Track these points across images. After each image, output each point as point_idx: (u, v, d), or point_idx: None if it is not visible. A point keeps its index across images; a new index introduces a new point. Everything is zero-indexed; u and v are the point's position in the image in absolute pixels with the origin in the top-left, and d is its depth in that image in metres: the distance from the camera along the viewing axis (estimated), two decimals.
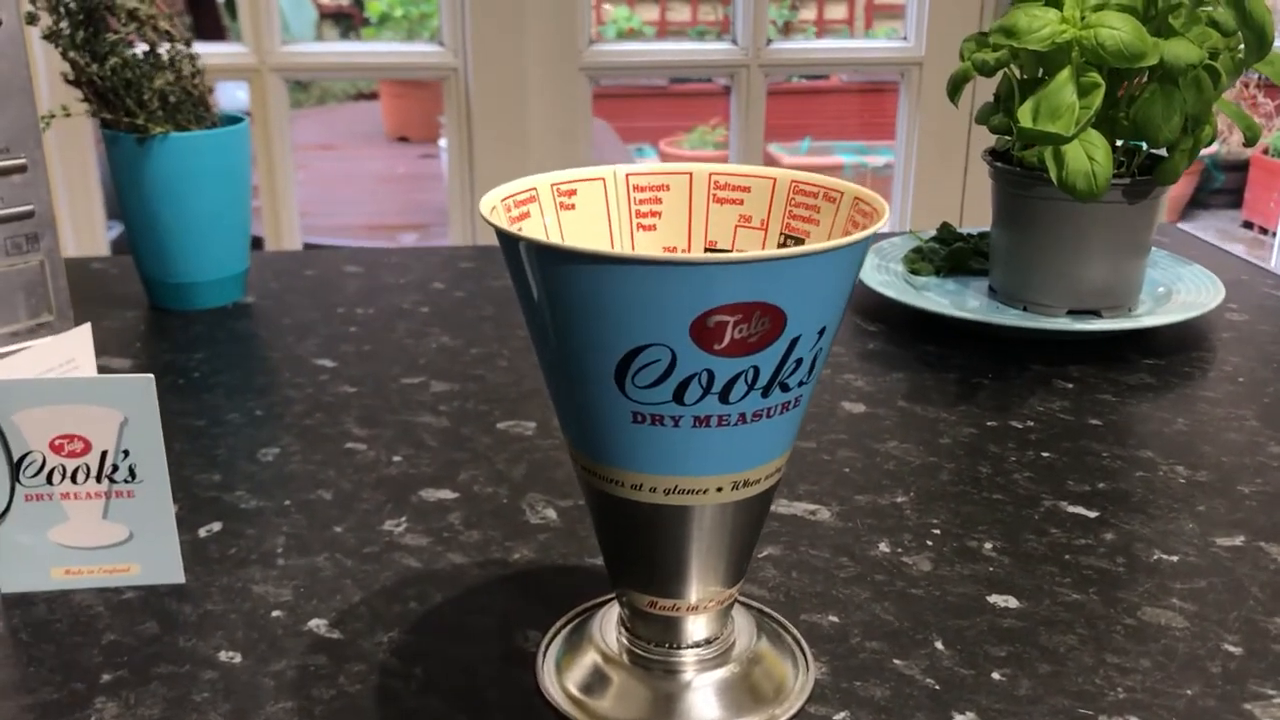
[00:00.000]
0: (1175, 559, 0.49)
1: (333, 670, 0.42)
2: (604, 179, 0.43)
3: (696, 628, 0.41)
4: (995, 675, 0.42)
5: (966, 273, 0.83)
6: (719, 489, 0.37)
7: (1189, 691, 0.41)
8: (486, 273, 0.89)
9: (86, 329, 0.52)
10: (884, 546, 0.50)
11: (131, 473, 0.46)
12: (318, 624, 0.45)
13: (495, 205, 0.39)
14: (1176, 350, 0.73)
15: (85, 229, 1.70)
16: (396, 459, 0.58)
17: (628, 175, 0.43)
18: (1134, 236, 0.74)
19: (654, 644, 0.41)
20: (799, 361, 0.35)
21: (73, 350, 0.51)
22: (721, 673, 0.41)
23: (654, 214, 0.44)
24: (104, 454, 0.46)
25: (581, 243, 0.42)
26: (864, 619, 0.45)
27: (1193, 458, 0.58)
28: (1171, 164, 0.70)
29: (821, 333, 0.36)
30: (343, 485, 0.56)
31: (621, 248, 0.43)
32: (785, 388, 0.36)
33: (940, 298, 0.78)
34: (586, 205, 0.43)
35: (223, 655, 0.43)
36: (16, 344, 0.66)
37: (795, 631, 0.44)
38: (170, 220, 0.77)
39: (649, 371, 0.34)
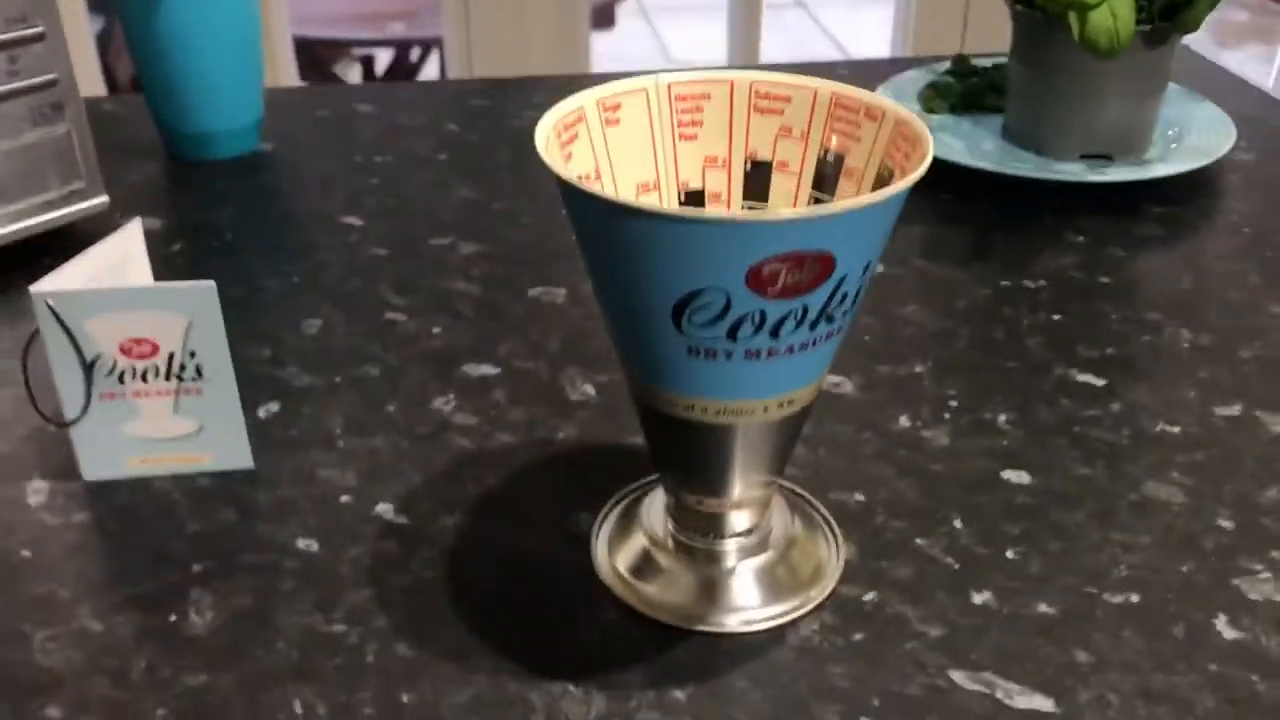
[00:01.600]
0: (1177, 430, 0.53)
1: (404, 556, 0.46)
2: (647, 90, 0.44)
3: (739, 520, 0.44)
4: (1010, 554, 0.46)
5: (982, 109, 0.84)
6: (765, 409, 0.40)
7: (1184, 569, 0.45)
8: (498, 113, 0.89)
9: (137, 225, 0.53)
10: (904, 420, 0.54)
11: (198, 371, 0.49)
12: (385, 509, 0.49)
13: (548, 135, 0.40)
14: (1185, 197, 0.74)
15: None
16: (436, 330, 0.61)
17: (669, 85, 0.44)
18: (1150, 82, 0.74)
19: (699, 534, 0.45)
20: (845, 295, 0.37)
21: (127, 247, 0.52)
22: (761, 559, 0.45)
23: (695, 123, 0.45)
24: (171, 355, 0.48)
25: (628, 160, 0.44)
26: (888, 497, 0.49)
27: (1196, 320, 0.61)
28: (1194, 12, 0.70)
29: (867, 268, 0.38)
30: (389, 360, 0.58)
31: (664, 161, 0.44)
32: (830, 319, 0.38)
33: (955, 140, 0.79)
34: (631, 119, 0.43)
35: (300, 543, 0.47)
36: (51, 212, 0.67)
37: (825, 512, 0.48)
38: (185, 70, 0.77)
39: (704, 312, 0.37)
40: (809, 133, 0.44)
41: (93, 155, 0.68)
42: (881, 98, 0.42)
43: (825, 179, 0.43)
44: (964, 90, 0.84)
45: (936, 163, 0.79)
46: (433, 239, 0.70)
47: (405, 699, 0.40)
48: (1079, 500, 0.49)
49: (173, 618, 0.43)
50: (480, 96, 0.92)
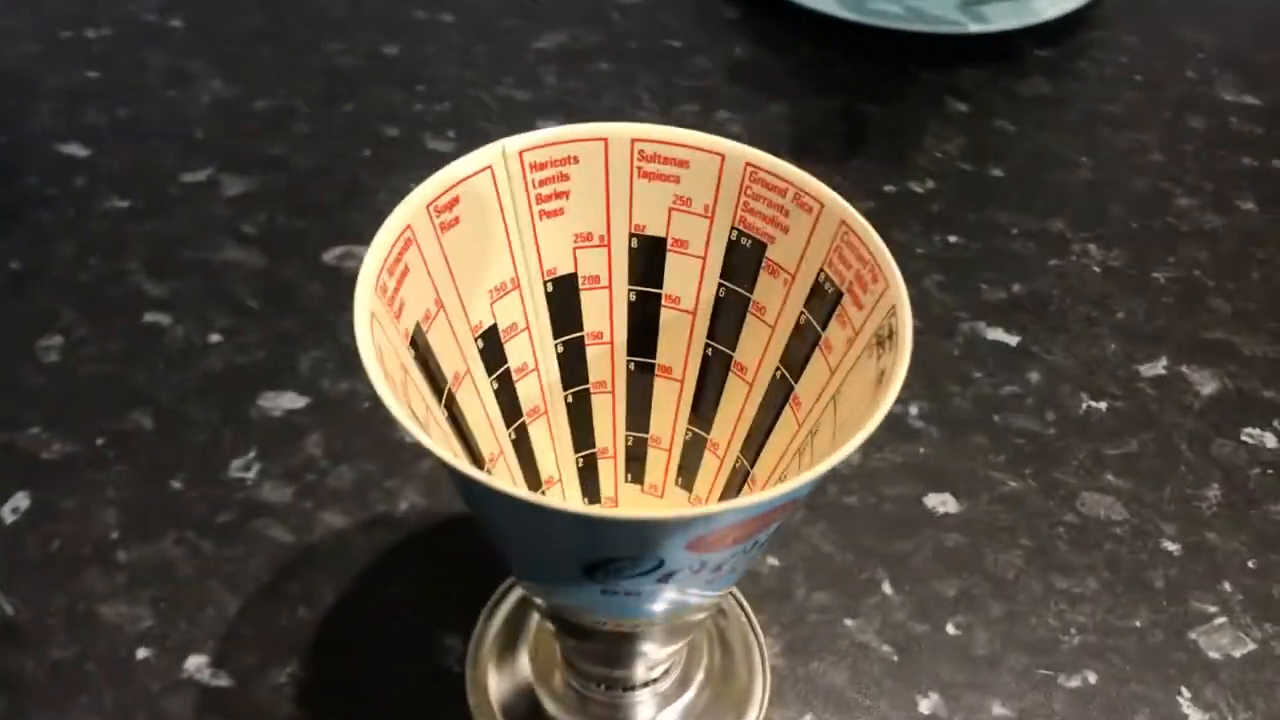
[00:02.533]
0: (1103, 406, 0.47)
1: None
2: (491, 167, 0.31)
3: (651, 670, 0.37)
4: (950, 628, 0.40)
5: None
6: (695, 613, 0.31)
7: (1137, 623, 0.41)
8: None
9: None
10: None
11: None
12: (196, 664, 0.39)
13: (369, 296, 0.27)
14: (1068, 30, 0.65)
15: None
16: (214, 338, 0.48)
17: (521, 154, 0.31)
18: None
19: (601, 686, 0.37)
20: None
21: None
22: (680, 706, 0.37)
23: (560, 194, 0.32)
24: None
25: (474, 264, 0.32)
26: (804, 554, 0.42)
27: (1103, 228, 0.54)
28: None
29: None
30: (159, 396, 0.46)
31: (522, 250, 0.33)
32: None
33: None
34: (471, 213, 0.31)
35: None
36: None
37: (744, 603, 0.41)
38: None
39: (629, 568, 0.27)
40: (715, 209, 0.32)
41: None
42: (819, 185, 0.30)
43: (739, 268, 0.33)
44: None
45: (793, 9, 0.67)
46: (185, 173, 0.55)
47: None
48: (1012, 533, 0.43)
49: None
50: None
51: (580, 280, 0.34)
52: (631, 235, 0.33)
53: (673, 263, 0.33)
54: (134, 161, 0.56)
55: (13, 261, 0.51)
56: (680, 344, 0.35)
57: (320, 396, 0.46)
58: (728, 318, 0.33)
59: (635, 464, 0.37)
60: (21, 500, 0.43)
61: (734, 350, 0.34)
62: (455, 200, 0.30)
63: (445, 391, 0.31)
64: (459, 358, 0.32)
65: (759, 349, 0.33)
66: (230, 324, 0.49)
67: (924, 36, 0.62)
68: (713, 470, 0.35)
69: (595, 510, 0.23)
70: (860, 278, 0.29)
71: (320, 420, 0.45)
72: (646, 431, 0.36)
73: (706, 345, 0.34)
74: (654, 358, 0.35)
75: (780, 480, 0.32)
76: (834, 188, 0.29)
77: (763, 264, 0.32)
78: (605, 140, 0.32)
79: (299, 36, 0.63)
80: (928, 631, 0.40)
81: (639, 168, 0.32)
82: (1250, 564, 0.42)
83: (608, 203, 0.33)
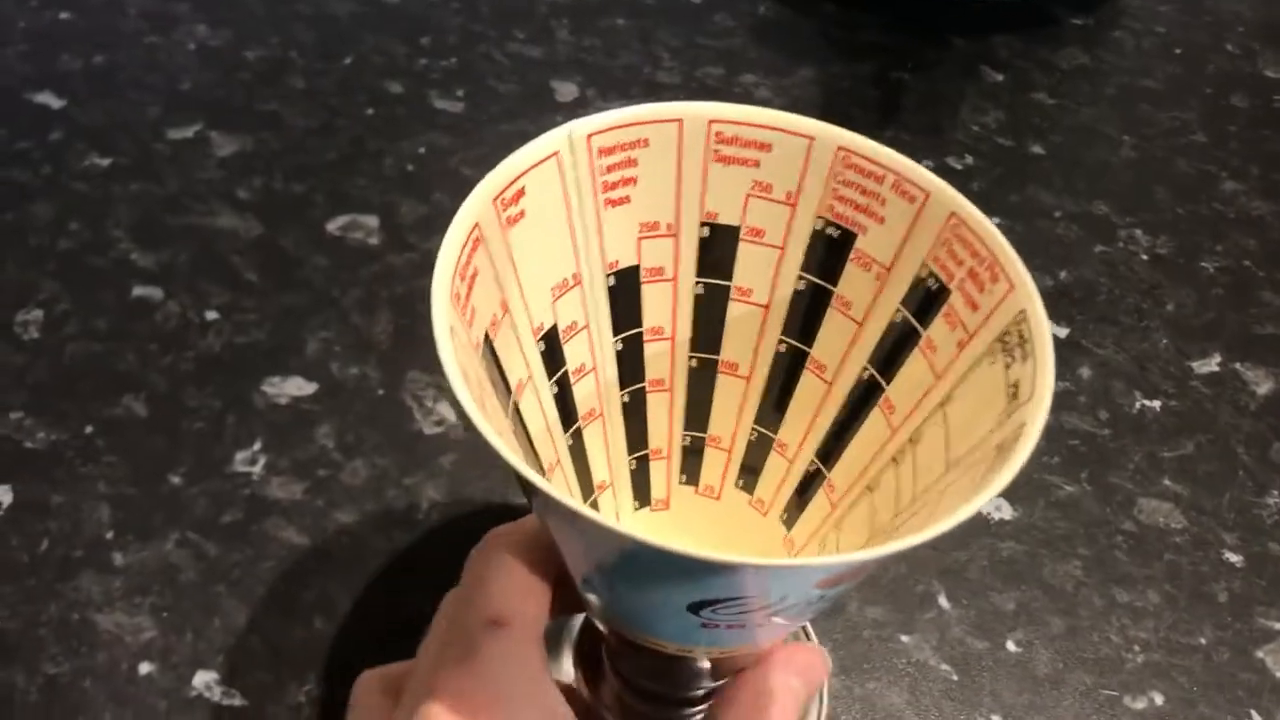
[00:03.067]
0: (1157, 405, 0.45)
1: None
2: (558, 152, 0.28)
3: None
4: (1010, 645, 0.38)
5: None
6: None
7: (1202, 640, 0.39)
8: None
9: None
10: None
11: None
12: (206, 681, 0.36)
13: (447, 309, 0.24)
14: None
15: None
16: (211, 315, 0.44)
17: (589, 137, 0.28)
18: None
19: (655, 701, 0.34)
20: None
21: None
22: None
23: (627, 181, 0.29)
24: None
25: (537, 259, 0.28)
26: None
27: (1148, 212, 0.52)
28: None
29: None
30: (152, 380, 0.42)
31: (585, 241, 0.29)
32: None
33: None
34: (538, 204, 0.28)
35: None
36: None
37: (806, 625, 0.38)
38: None
39: (733, 608, 0.24)
40: (798, 195, 0.29)
41: None
42: (925, 173, 0.28)
43: (822, 260, 0.30)
44: None
45: None
46: (171, 129, 0.51)
47: None
48: (1070, 542, 0.41)
49: None
50: None
51: (642, 273, 0.31)
52: (702, 224, 0.30)
53: (746, 253, 0.30)
54: (114, 114, 0.51)
55: None
56: (749, 340, 0.32)
57: (330, 382, 0.43)
58: (806, 313, 0.31)
59: (691, 464, 0.34)
60: (4, 495, 0.39)
61: (811, 347, 0.31)
62: (521, 193, 0.27)
63: (511, 403, 0.28)
64: (521, 363, 0.29)
65: (842, 347, 0.30)
66: (228, 300, 0.45)
67: None
68: (780, 472, 0.33)
69: (744, 559, 0.20)
70: (975, 275, 0.27)
71: (331, 409, 0.42)
72: (705, 431, 0.34)
73: (780, 341, 0.31)
74: (718, 354, 0.32)
75: (868, 490, 0.30)
76: None
77: (850, 255, 0.29)
78: (680, 121, 0.29)
79: None
80: (988, 649, 0.38)
81: (715, 150, 0.29)
82: None
83: (678, 189, 0.30)
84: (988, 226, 0.26)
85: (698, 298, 0.32)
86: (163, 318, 0.44)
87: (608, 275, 0.30)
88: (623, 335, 0.32)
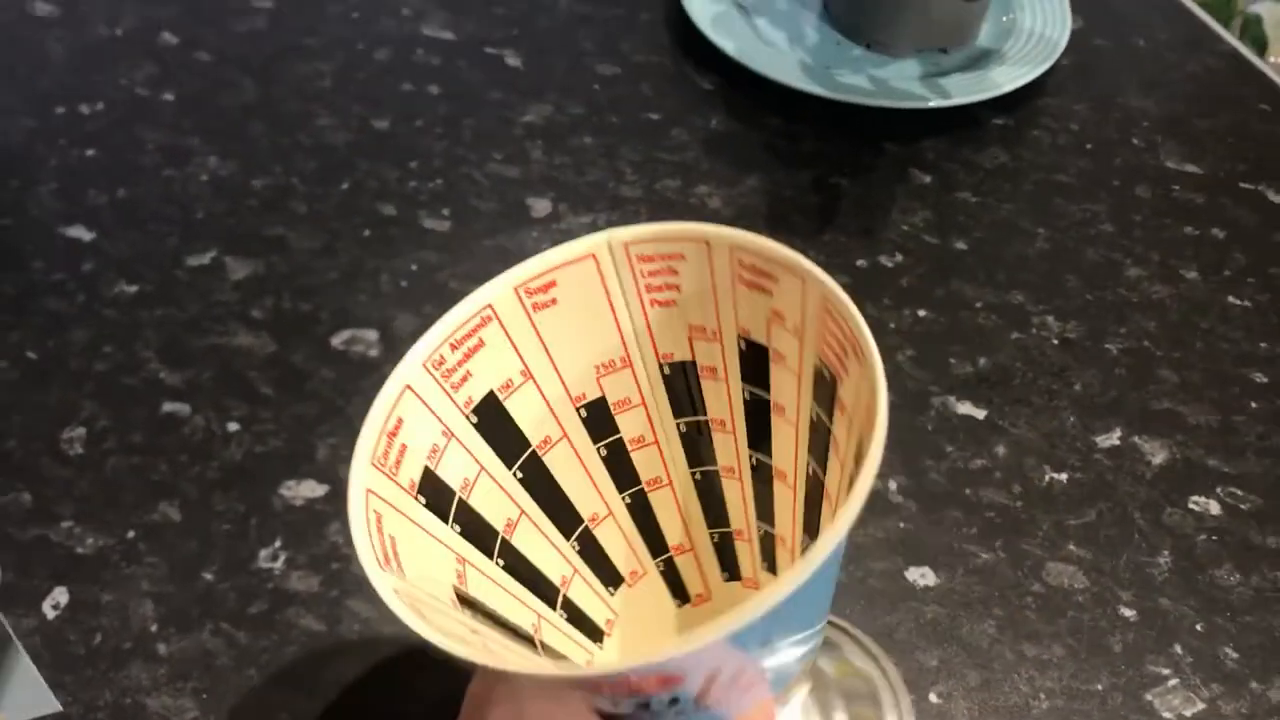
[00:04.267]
0: (1064, 478, 0.51)
1: None
2: (594, 255, 0.32)
3: None
4: (933, 697, 0.44)
5: None
6: None
7: (1099, 687, 0.45)
8: (219, 5, 0.72)
9: None
10: None
11: None
12: None
13: (412, 379, 0.30)
14: (1023, 99, 0.69)
15: None
16: (232, 426, 0.51)
17: (626, 245, 0.32)
18: None
19: None
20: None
21: None
22: None
23: (671, 287, 0.33)
24: None
25: (577, 340, 0.33)
26: None
27: (1060, 299, 0.58)
28: None
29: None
30: (185, 489, 0.49)
31: (634, 329, 0.33)
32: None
33: (775, 31, 0.70)
34: (574, 294, 0.33)
35: None
36: None
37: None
38: None
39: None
40: (804, 329, 0.31)
41: None
42: (791, 255, 0.30)
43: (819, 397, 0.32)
44: None
45: (760, 81, 0.68)
46: (190, 256, 0.57)
47: None
48: (986, 604, 0.47)
49: None
50: None
51: (700, 371, 0.34)
52: (739, 338, 0.33)
53: (777, 376, 0.33)
54: (138, 244, 0.58)
55: (29, 351, 0.53)
56: (788, 451, 0.34)
57: (339, 484, 0.49)
58: (817, 438, 0.33)
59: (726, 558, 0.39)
60: (61, 595, 0.45)
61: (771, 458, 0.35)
62: (552, 284, 0.32)
63: (529, 453, 0.33)
64: (553, 423, 0.34)
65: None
66: (247, 412, 0.51)
67: (887, 108, 0.66)
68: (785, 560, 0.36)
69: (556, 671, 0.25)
70: (841, 350, 0.29)
71: (340, 508, 0.48)
72: (773, 526, 0.37)
73: (809, 463, 0.33)
74: (769, 458, 0.35)
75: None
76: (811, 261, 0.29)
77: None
78: (707, 243, 0.32)
79: (289, 109, 0.65)
80: (913, 700, 0.44)
81: (739, 275, 0.32)
82: (1198, 627, 0.47)
83: (716, 302, 0.33)
84: (846, 306, 0.28)
85: (745, 402, 0.34)
86: (190, 431, 0.50)
87: (661, 367, 0.34)
88: (684, 419, 0.36)
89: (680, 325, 0.34)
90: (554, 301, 0.33)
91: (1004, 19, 0.71)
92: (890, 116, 0.66)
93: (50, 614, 0.45)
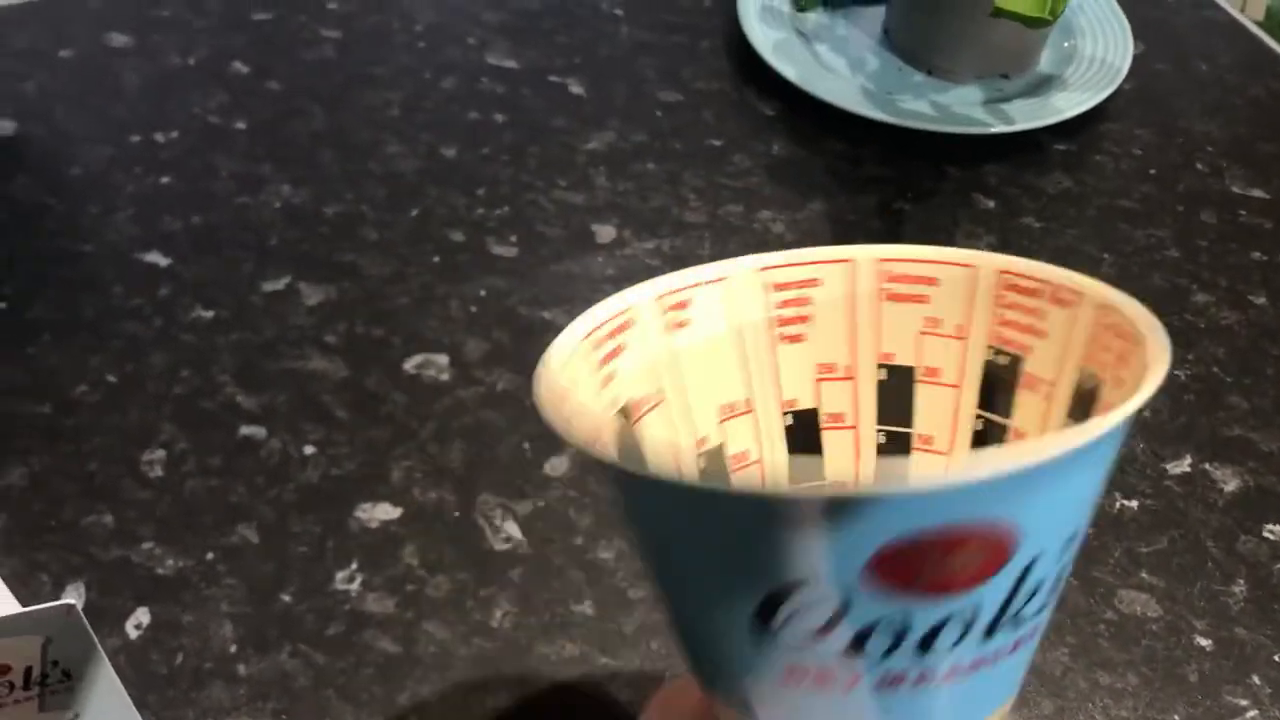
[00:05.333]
0: (1135, 505, 0.51)
1: None
2: (729, 278, 0.32)
3: None
4: None
5: (858, 1, 0.74)
6: None
7: (1175, 717, 0.45)
8: (289, 35, 0.73)
9: None
10: None
11: (65, 674, 0.39)
12: None
13: (573, 351, 0.29)
14: (1085, 124, 0.69)
15: None
16: (308, 450, 0.52)
17: (762, 270, 0.32)
18: None
19: None
20: (1039, 585, 0.25)
21: None
22: None
23: (802, 319, 0.33)
24: (29, 669, 0.39)
25: (704, 375, 0.32)
26: None
27: None
28: None
29: (1072, 538, 0.26)
30: (262, 511, 0.49)
31: (759, 372, 0.33)
32: (1019, 622, 0.25)
33: (835, 57, 0.70)
34: (705, 321, 0.32)
35: None
36: None
37: None
38: None
39: (805, 618, 0.24)
40: (969, 326, 0.31)
41: None
42: (1075, 276, 0.30)
43: (996, 392, 0.32)
44: None
45: (821, 107, 0.68)
46: (265, 282, 0.59)
47: None
48: (1059, 631, 0.47)
49: None
50: (259, 7, 0.76)
51: (821, 419, 0.33)
52: (879, 365, 0.32)
53: (924, 396, 0.32)
54: (214, 270, 0.59)
55: (109, 375, 0.54)
56: None
57: (412, 506, 0.50)
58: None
59: None
60: (143, 616, 0.46)
61: None
62: (686, 302, 0.31)
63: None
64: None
65: None
66: (322, 435, 0.52)
67: (950, 133, 0.66)
68: None
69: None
70: (1122, 358, 0.28)
71: (414, 530, 0.49)
72: None
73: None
74: None
75: None
76: None
77: (1020, 380, 0.31)
78: (851, 261, 0.32)
79: (359, 138, 0.66)
80: None
81: (885, 290, 0.31)
82: (1276, 657, 0.46)
83: (853, 330, 0.32)
84: (1136, 312, 0.28)
85: (880, 446, 0.33)
86: (267, 454, 0.51)
87: (784, 415, 0.33)
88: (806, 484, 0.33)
89: (807, 366, 0.32)
90: (687, 323, 0.31)
91: (1065, 45, 0.72)
92: (952, 142, 0.66)
93: (133, 634, 0.46)
